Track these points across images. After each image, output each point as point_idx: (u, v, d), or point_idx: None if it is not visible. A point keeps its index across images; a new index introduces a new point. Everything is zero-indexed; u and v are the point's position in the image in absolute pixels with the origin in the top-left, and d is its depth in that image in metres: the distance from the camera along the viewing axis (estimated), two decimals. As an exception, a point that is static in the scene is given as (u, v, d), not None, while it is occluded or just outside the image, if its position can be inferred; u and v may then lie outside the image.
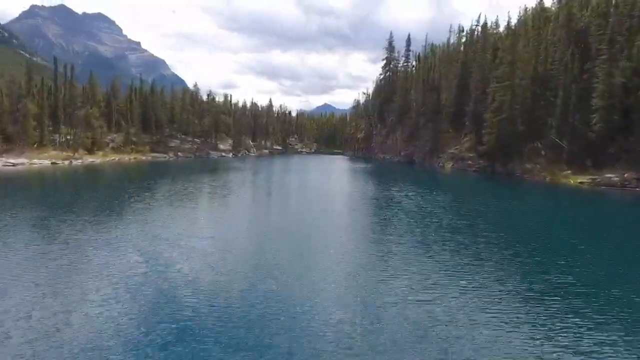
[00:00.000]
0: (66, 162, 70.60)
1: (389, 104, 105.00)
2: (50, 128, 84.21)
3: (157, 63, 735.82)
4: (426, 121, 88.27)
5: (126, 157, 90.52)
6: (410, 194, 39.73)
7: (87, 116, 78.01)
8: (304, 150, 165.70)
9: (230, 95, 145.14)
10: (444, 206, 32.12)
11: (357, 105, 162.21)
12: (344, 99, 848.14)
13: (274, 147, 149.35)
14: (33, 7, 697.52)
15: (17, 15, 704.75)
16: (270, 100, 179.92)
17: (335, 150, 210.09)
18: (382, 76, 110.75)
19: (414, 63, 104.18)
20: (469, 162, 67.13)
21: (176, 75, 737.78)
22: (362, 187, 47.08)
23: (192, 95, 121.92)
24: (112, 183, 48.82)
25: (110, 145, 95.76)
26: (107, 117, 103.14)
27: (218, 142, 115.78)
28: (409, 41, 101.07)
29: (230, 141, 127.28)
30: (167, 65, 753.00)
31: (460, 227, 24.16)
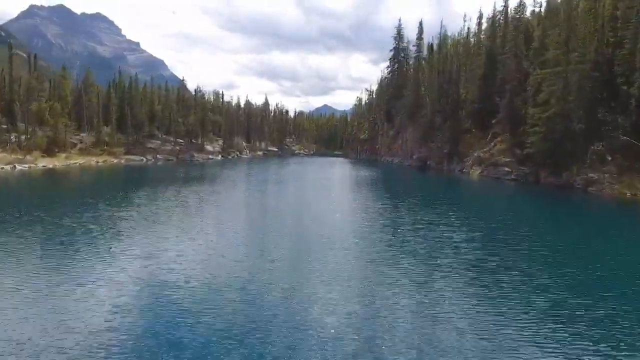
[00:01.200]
0: (9, 167, 56.63)
1: (398, 100, 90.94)
2: (4, 126, 70.33)
3: (156, 63, 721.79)
4: (443, 119, 74.33)
5: (94, 160, 76.50)
6: (446, 218, 25.69)
7: (39, 111, 63.79)
8: (302, 152, 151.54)
9: (222, 92, 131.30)
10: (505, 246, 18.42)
11: (359, 104, 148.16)
12: (344, 100, 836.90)
13: (269, 148, 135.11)
14: (32, 7, 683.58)
15: (15, 15, 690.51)
16: (267, 99, 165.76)
17: (336, 152, 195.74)
18: (388, 69, 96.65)
19: (425, 54, 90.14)
20: (505, 168, 52.95)
21: (175, 76, 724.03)
22: (373, 207, 32.93)
23: (177, 91, 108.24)
24: (28, 199, 34.67)
25: (78, 146, 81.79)
26: (79, 114, 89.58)
27: (205, 142, 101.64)
28: (421, 28, 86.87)
29: (220, 142, 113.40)
30: (166, 65, 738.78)
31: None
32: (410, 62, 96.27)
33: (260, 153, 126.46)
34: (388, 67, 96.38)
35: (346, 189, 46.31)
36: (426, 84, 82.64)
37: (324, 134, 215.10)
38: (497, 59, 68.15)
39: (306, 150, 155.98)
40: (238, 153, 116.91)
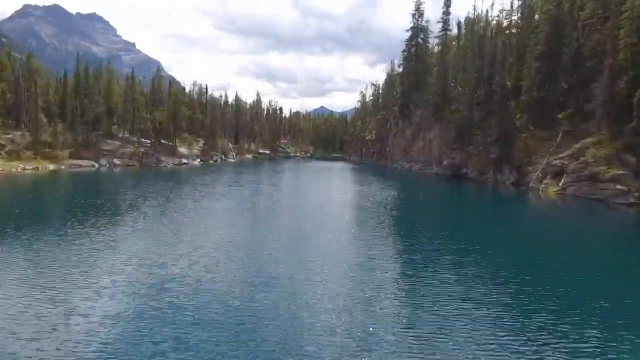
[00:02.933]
0: None
1: (417, 91, 70.94)
2: None
3: (152, 64, 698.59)
4: (484, 114, 54.55)
5: (21, 167, 56.13)
6: None
7: None
8: (297, 154, 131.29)
9: (206, 86, 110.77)
10: None
11: (362, 102, 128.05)
12: (341, 102, 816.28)
13: (260, 151, 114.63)
14: (26, 6, 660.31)
15: (9, 14, 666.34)
16: (258, 95, 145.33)
17: (335, 155, 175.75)
18: (404, 54, 76.41)
19: (454, 33, 70.28)
20: (615, 185, 32.92)
21: (172, 76, 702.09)
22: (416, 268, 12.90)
23: (153, 82, 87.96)
24: None
25: (7, 147, 61.39)
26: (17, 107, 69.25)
27: (179, 144, 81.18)
28: (448, 0, 66.54)
29: (201, 143, 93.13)
30: (162, 66, 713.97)
31: None
32: (430, 46, 76.36)
33: (249, 157, 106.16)
34: (403, 51, 76.23)
35: (369, 232, 25.61)
36: (458, 70, 62.82)
37: (322, 134, 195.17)
38: (564, 32, 48.44)
39: (302, 152, 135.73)
40: (222, 156, 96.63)
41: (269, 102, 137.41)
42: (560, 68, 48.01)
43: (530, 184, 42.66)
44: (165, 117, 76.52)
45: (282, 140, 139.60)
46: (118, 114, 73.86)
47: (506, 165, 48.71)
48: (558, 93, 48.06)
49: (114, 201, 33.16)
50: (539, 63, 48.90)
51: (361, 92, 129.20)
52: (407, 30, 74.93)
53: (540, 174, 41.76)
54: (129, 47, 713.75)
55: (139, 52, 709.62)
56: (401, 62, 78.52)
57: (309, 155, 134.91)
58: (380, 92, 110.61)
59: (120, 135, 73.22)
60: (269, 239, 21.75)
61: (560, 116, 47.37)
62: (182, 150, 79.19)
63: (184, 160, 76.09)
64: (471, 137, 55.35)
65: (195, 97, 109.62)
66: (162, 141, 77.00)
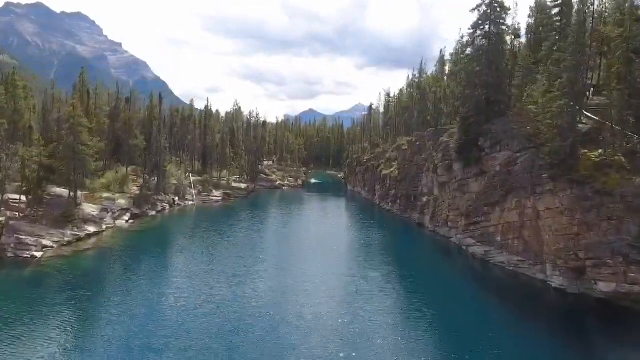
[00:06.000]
0: None
1: (496, 116, 38.20)
2: None
3: (138, 65, 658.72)
4: None
5: None
6: None
7: None
8: (285, 183, 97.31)
9: (160, 94, 76.08)
10: None
11: (371, 115, 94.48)
12: (329, 105, 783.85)
13: (234, 184, 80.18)
14: (8, 4, 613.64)
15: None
16: (237, 105, 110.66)
17: (329, 172, 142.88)
18: (464, 51, 43.00)
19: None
20: None
21: (159, 77, 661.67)
22: None
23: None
24: None
25: None
26: None
27: (91, 194, 46.81)
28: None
29: (138, 184, 59.20)
30: (149, 67, 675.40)
31: None
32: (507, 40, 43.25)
33: (217, 196, 71.81)
34: (463, 49, 42.92)
35: None
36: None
37: (314, 147, 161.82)
38: None
39: (291, 178, 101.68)
40: (175, 200, 62.76)
41: (250, 112, 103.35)
42: None
43: None
44: (48, 153, 42.16)
45: (267, 163, 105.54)
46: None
47: None
48: None
49: None
50: None
51: (370, 104, 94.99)
52: (472, 10, 41.53)
53: None
54: (115, 47, 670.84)
55: (125, 52, 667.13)
56: (458, 60, 45.13)
57: (299, 183, 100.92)
58: (399, 106, 77.44)
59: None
60: None
61: None
62: (90, 209, 44.71)
63: (86, 231, 41.68)
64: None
65: (145, 109, 75.52)
66: (50, 194, 42.76)
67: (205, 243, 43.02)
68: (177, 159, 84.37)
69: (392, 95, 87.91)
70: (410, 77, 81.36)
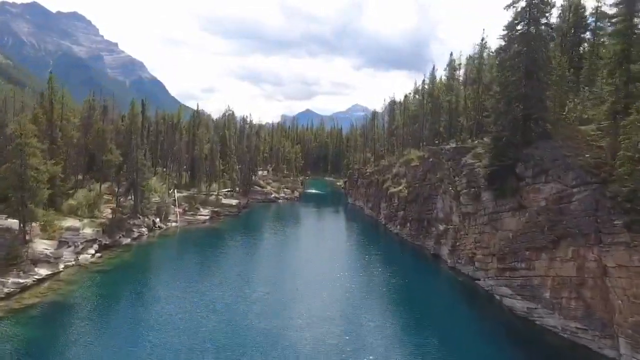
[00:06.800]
0: None
1: (539, 137, 30.46)
2: None
3: (135, 65, 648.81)
4: None
5: None
6: None
7: None
8: (280, 194, 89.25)
9: (142, 101, 67.79)
10: None
11: (372, 122, 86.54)
12: (326, 105, 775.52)
13: (224, 201, 72.06)
14: (3, 3, 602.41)
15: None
16: (231, 112, 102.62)
17: (328, 178, 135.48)
18: (502, 52, 35.18)
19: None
20: None
21: (155, 78, 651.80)
22: None
23: None
24: None
25: None
26: None
27: (48, 223, 38.76)
28: None
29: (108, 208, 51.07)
30: (145, 67, 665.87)
31: None
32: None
33: (204, 215, 63.72)
34: (502, 50, 35.10)
35: None
36: None
37: (312, 154, 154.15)
38: None
39: (288, 190, 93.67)
40: (155, 222, 54.82)
41: (243, 119, 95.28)
42: None
43: None
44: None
45: (261, 172, 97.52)
46: None
47: None
48: None
49: None
50: None
51: (374, 111, 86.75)
52: (509, 7, 33.60)
53: None
54: (112, 47, 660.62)
55: (121, 52, 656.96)
56: (481, 67, 37.10)
57: (296, 195, 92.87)
58: (406, 114, 69.47)
59: None
60: None
61: None
62: (43, 246, 36.62)
63: (35, 276, 33.61)
64: None
65: (123, 116, 67.45)
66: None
67: (182, 286, 34.96)
68: (164, 169, 76.64)
69: (398, 101, 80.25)
70: (419, 82, 73.82)
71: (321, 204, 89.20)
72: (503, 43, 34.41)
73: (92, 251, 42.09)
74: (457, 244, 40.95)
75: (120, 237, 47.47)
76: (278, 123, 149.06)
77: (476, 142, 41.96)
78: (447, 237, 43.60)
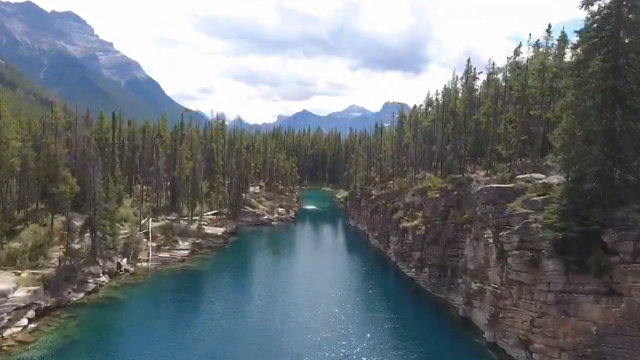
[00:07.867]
0: None
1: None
2: None
3: (130, 65, 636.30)
4: None
5: None
6: None
7: None
8: (275, 216, 78.81)
9: (113, 113, 57.27)
10: None
11: (378, 136, 76.36)
12: (323, 106, 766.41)
13: (208, 230, 61.50)
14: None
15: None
16: (223, 121, 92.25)
17: (325, 188, 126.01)
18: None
19: None
20: None
21: (151, 78, 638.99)
22: None
23: None
24: None
25: None
26: None
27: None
28: None
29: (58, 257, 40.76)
30: (141, 67, 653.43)
31: None
32: None
33: (182, 250, 53.36)
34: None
35: None
36: None
37: (309, 162, 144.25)
38: None
39: (282, 209, 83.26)
40: (121, 264, 44.63)
41: (232, 131, 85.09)
42: None
43: None
44: None
45: (253, 189, 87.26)
46: None
47: None
48: None
49: None
50: None
51: (382, 127, 75.80)
52: (585, 5, 23.70)
53: None
54: (107, 47, 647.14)
55: (116, 52, 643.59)
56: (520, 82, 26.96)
57: (291, 216, 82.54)
58: (418, 128, 59.19)
59: None
60: None
61: None
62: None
63: None
64: None
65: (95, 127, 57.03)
66: None
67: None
68: (144, 187, 66.44)
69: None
70: (432, 93, 63.69)
71: (319, 225, 78.94)
72: (579, 55, 24.20)
73: (23, 322, 31.75)
74: (500, 314, 30.83)
75: (69, 293, 37.16)
76: (273, 130, 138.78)
77: (524, 181, 31.70)
78: (482, 299, 33.46)
